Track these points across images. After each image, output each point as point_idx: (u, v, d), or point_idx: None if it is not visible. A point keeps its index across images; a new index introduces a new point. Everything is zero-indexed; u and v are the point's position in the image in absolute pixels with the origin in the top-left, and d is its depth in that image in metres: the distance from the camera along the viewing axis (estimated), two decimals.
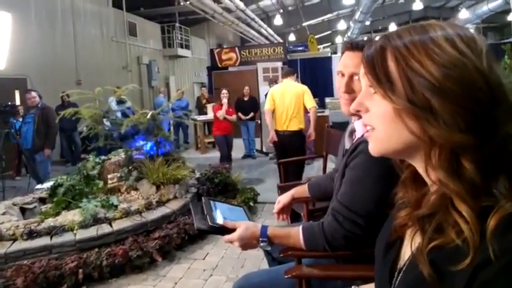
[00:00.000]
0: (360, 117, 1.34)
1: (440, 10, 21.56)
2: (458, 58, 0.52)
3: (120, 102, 6.00)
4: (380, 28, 23.34)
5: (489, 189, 0.50)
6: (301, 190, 1.85)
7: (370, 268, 0.80)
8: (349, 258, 1.40)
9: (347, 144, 1.43)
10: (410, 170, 0.63)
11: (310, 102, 4.51)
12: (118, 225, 3.17)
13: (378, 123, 0.58)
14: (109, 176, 3.87)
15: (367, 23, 16.68)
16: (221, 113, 5.97)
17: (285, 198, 1.82)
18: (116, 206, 3.39)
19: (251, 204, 4.28)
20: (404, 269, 0.61)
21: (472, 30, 0.58)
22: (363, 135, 1.31)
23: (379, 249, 0.72)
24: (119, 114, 5.38)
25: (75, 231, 3.02)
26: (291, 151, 4.23)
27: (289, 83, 4.58)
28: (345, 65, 1.35)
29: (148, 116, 4.12)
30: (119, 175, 3.88)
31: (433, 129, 0.52)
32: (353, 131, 1.44)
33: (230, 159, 6.05)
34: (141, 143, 4.16)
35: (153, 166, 3.85)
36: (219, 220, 1.28)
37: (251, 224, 1.30)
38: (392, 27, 21.36)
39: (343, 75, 1.35)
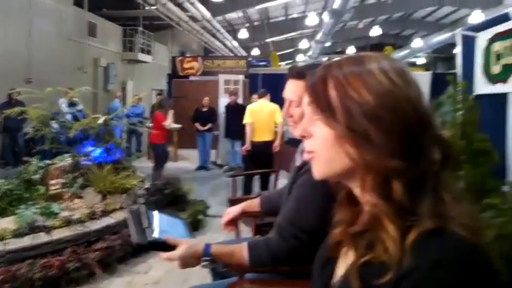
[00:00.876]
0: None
1: (396, 37, 22.83)
2: (392, 88, 0.57)
3: (71, 104, 5.76)
4: (339, 50, 24.27)
5: (415, 209, 0.54)
6: (253, 204, 1.85)
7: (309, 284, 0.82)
8: (292, 274, 1.42)
9: (297, 162, 1.47)
10: (346, 190, 0.67)
11: (279, 118, 5.23)
12: (57, 234, 3.01)
13: (320, 148, 0.62)
14: (52, 182, 3.68)
15: (328, 44, 17.25)
16: (169, 123, 5.94)
17: (234, 210, 1.82)
18: (57, 214, 3.23)
19: (200, 217, 4.23)
20: (338, 285, 0.63)
21: (401, 63, 0.63)
22: None
23: (317, 266, 0.75)
24: (69, 116, 5.17)
25: (7, 241, 2.82)
26: (262, 159, 4.96)
27: (264, 101, 5.40)
28: (286, 91, 1.44)
29: (100, 121, 3.99)
30: (63, 181, 3.70)
31: (368, 155, 0.56)
32: (303, 150, 1.49)
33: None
34: (90, 148, 4.00)
35: (100, 174, 3.71)
36: (159, 235, 1.18)
37: (193, 242, 1.25)
38: (351, 50, 22.30)
39: (285, 100, 1.44)
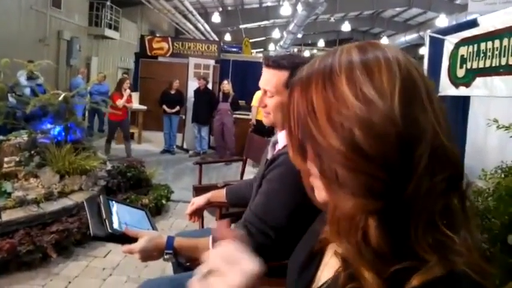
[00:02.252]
0: (282, 128, 1.38)
1: (365, 34, 23.29)
2: (363, 113, 0.45)
3: (30, 78, 5.42)
4: (310, 42, 24.47)
5: (405, 250, 0.46)
6: (219, 194, 1.83)
7: (279, 282, 0.79)
8: None
9: (269, 155, 1.45)
10: None
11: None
12: (8, 215, 2.85)
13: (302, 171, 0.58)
14: (5, 159, 3.47)
15: (299, 35, 17.32)
16: (121, 102, 6.39)
17: (200, 200, 1.79)
18: (9, 194, 3.05)
19: (163, 202, 4.15)
20: None
21: (388, 51, 0.50)
22: (284, 147, 1.34)
23: (293, 268, 0.69)
24: (27, 90, 4.86)
25: None
26: (264, 131, 5.40)
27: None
28: (261, 80, 1.39)
29: (60, 98, 3.78)
30: (17, 159, 3.49)
31: (337, 197, 0.49)
32: (276, 142, 1.47)
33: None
34: (49, 126, 3.79)
35: (59, 153, 3.53)
36: (118, 226, 1.13)
37: (155, 235, 1.20)
38: (321, 43, 22.56)
39: (260, 89, 1.40)
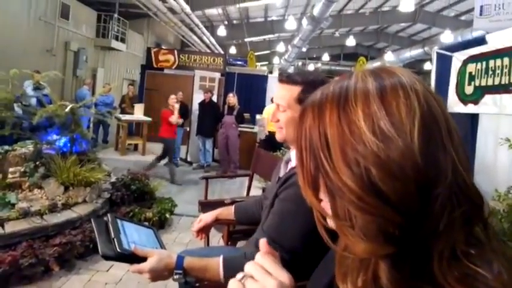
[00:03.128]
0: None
1: (369, 49, 23.41)
2: (380, 150, 0.42)
3: (37, 88, 5.44)
4: (314, 56, 24.61)
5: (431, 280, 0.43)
6: (227, 212, 1.78)
7: None
8: None
9: (281, 172, 1.42)
10: None
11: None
12: (11, 227, 2.81)
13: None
14: (10, 170, 3.45)
15: (304, 49, 17.43)
16: (175, 118, 6.24)
17: (207, 218, 1.74)
18: (13, 205, 3.02)
19: (167, 215, 4.11)
20: None
21: (406, 79, 0.47)
22: None
23: None
24: (33, 100, 4.88)
25: None
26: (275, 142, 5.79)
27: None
28: (275, 95, 1.40)
29: (67, 109, 3.78)
30: (22, 169, 3.47)
31: (348, 237, 0.46)
32: (289, 160, 1.44)
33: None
34: (55, 137, 3.78)
35: (64, 164, 3.52)
36: (128, 246, 1.11)
37: (165, 254, 1.17)
38: (325, 57, 22.68)
39: (270, 102, 1.39)
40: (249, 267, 0.54)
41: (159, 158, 6.53)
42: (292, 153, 1.41)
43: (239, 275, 0.53)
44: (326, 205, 0.48)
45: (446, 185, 0.43)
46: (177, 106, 6.40)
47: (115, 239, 1.09)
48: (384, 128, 0.43)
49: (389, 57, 17.49)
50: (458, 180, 0.44)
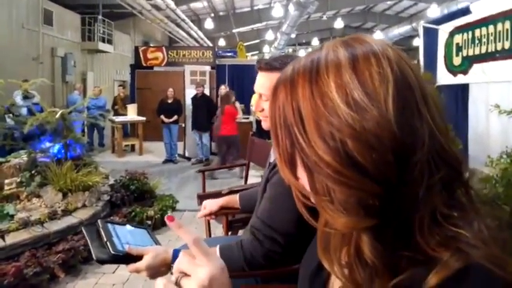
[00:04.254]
0: None
1: (358, 30, 23.28)
2: (355, 121, 0.41)
3: (26, 97, 5.41)
4: (304, 41, 24.49)
5: (411, 257, 0.43)
6: (232, 201, 1.79)
7: None
8: (268, 277, 1.38)
9: (272, 158, 1.43)
10: None
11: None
12: (12, 238, 2.82)
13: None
14: (6, 181, 3.44)
15: (293, 35, 17.33)
16: (241, 114, 6.32)
17: (212, 205, 1.75)
18: (12, 216, 3.02)
19: (169, 212, 4.12)
20: None
21: (378, 47, 0.45)
22: None
23: (304, 275, 0.65)
24: (24, 110, 4.85)
25: None
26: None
27: None
28: (255, 85, 1.38)
29: (57, 115, 3.76)
30: (18, 180, 3.47)
31: (328, 213, 0.45)
32: None
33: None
34: (48, 144, 3.77)
35: (60, 171, 3.51)
36: (121, 247, 1.10)
37: (160, 250, 1.15)
38: (315, 41, 22.58)
39: (255, 93, 1.39)
40: (177, 265, 0.56)
41: (223, 156, 6.27)
42: None
43: (172, 277, 0.54)
44: (304, 182, 0.48)
45: (423, 152, 0.42)
46: (237, 103, 6.41)
47: (108, 242, 1.08)
48: (357, 98, 0.42)
49: (378, 36, 17.39)
50: (435, 145, 0.43)
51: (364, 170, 0.41)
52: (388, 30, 17.93)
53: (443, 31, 3.81)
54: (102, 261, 1.06)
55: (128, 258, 1.09)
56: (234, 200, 1.80)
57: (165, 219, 0.60)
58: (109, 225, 1.17)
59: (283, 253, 1.24)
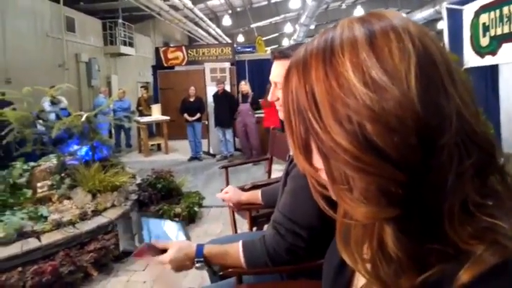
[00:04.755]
0: None
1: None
2: (374, 102, 0.38)
3: (53, 103, 5.58)
4: None
5: (440, 250, 0.40)
6: (254, 197, 1.78)
7: (316, 285, 0.74)
8: (293, 273, 1.36)
9: (291, 151, 1.40)
10: None
11: None
12: (47, 238, 2.92)
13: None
14: (39, 185, 3.57)
15: (312, 27, 17.11)
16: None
17: (234, 195, 1.77)
18: (46, 218, 3.13)
19: (196, 209, 4.17)
20: None
21: (397, 21, 0.42)
22: None
23: (328, 271, 0.63)
24: (52, 116, 5.00)
25: None
26: None
27: None
28: (271, 74, 1.36)
29: (83, 119, 3.86)
30: (49, 183, 3.58)
31: (347, 202, 0.42)
32: None
33: None
34: (75, 147, 3.88)
35: (88, 173, 3.61)
36: (149, 239, 1.14)
37: (185, 244, 1.18)
38: None
39: (271, 84, 1.36)
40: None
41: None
42: None
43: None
44: (321, 170, 0.45)
45: (451, 134, 0.38)
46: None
47: (136, 235, 1.13)
48: (375, 77, 0.38)
49: None
50: (465, 127, 0.39)
51: (385, 154, 0.38)
52: (410, 14, 17.39)
53: (468, 11, 3.65)
54: (127, 253, 1.13)
55: (157, 252, 1.13)
56: (256, 196, 1.79)
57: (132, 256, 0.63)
58: (143, 218, 1.23)
59: (306, 247, 1.21)
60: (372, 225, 0.44)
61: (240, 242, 1.26)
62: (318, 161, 0.44)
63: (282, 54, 1.32)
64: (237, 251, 1.24)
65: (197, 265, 1.16)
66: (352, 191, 0.41)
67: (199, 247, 1.19)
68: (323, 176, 0.45)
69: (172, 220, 1.38)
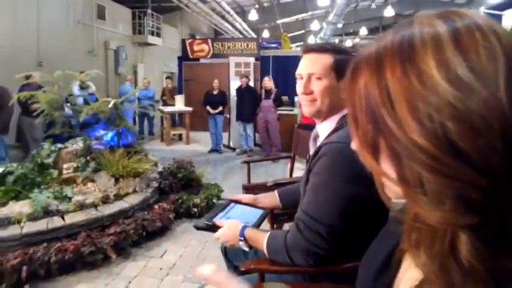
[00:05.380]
0: (323, 119, 1.31)
1: (410, 18, 22.25)
2: (459, 101, 0.36)
3: (82, 88, 5.70)
4: (351, 31, 23.79)
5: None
6: (270, 199, 1.68)
7: None
8: (316, 276, 1.34)
9: (311, 151, 1.37)
10: None
11: None
12: (71, 218, 3.00)
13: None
14: (64, 166, 3.65)
15: (340, 25, 16.90)
16: None
17: (248, 200, 1.67)
18: (70, 198, 3.21)
19: (214, 201, 4.19)
20: None
21: (482, 21, 0.40)
22: (326, 139, 1.27)
23: (365, 275, 0.61)
24: (80, 100, 5.12)
25: (22, 224, 2.82)
26: None
27: None
28: (302, 67, 1.33)
29: (110, 105, 3.93)
30: (75, 165, 3.67)
31: (419, 205, 0.40)
32: (317, 136, 1.40)
33: None
34: (101, 132, 3.96)
35: (112, 158, 3.67)
36: (216, 220, 1.39)
37: (234, 223, 1.34)
38: (363, 31, 21.86)
39: (301, 77, 1.32)
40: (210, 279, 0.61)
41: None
42: (320, 129, 1.36)
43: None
44: (389, 170, 0.43)
45: None
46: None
47: (211, 214, 1.43)
48: (462, 75, 0.37)
49: None
50: None
51: (466, 157, 0.36)
52: None
53: (508, 17, 3.53)
54: (196, 228, 1.40)
55: (215, 228, 1.37)
56: (273, 198, 1.68)
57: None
58: (232, 204, 1.52)
59: (326, 248, 1.18)
60: (445, 231, 0.42)
61: (269, 233, 1.29)
62: (386, 160, 0.43)
63: (318, 46, 1.32)
64: (263, 239, 1.28)
65: (240, 243, 1.32)
66: (426, 194, 0.39)
67: (243, 228, 1.32)
68: (391, 175, 0.43)
69: (257, 207, 1.57)
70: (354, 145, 0.47)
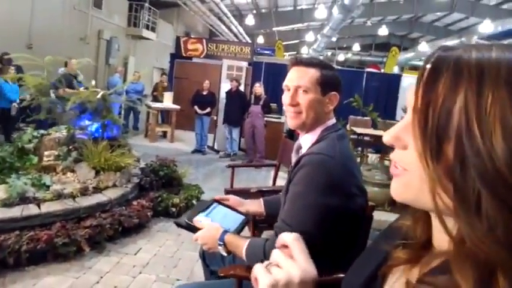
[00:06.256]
0: (307, 131, 1.33)
1: (403, 39, 22.74)
2: None
3: (71, 74, 5.62)
4: (345, 46, 24.16)
5: None
6: (256, 206, 1.68)
7: None
8: None
9: (293, 160, 1.41)
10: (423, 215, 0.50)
11: None
12: (47, 207, 2.94)
13: (415, 168, 0.44)
14: (46, 153, 3.59)
15: (334, 39, 17.12)
16: None
17: (235, 202, 1.65)
18: (48, 187, 3.16)
19: (194, 202, 4.18)
20: None
21: None
22: (308, 149, 1.30)
23: (352, 286, 0.60)
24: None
25: None
26: None
27: None
28: (289, 79, 1.36)
29: (98, 96, 3.88)
30: (56, 153, 3.61)
31: (469, 227, 0.38)
32: (299, 148, 1.43)
33: None
34: (87, 122, 3.90)
35: (95, 149, 3.63)
36: (196, 220, 1.37)
37: (214, 227, 1.33)
38: (356, 47, 22.21)
39: (288, 89, 1.36)
40: (275, 254, 0.56)
41: None
42: (303, 140, 1.40)
43: (266, 262, 0.55)
44: (445, 181, 0.41)
45: None
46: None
47: (191, 214, 1.40)
48: None
49: (423, 47, 16.95)
50: None
51: None
52: (434, 42, 17.42)
53: None
54: (176, 225, 1.39)
55: (194, 229, 1.37)
56: (258, 205, 1.68)
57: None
58: (215, 204, 1.48)
59: None
60: (491, 270, 0.38)
61: (248, 240, 1.30)
62: (442, 171, 0.41)
63: (306, 60, 1.36)
64: (243, 246, 1.28)
65: (219, 247, 1.31)
66: (479, 216, 0.37)
67: (223, 233, 1.31)
68: (448, 187, 0.41)
69: (239, 212, 1.53)
70: (416, 149, 0.43)
